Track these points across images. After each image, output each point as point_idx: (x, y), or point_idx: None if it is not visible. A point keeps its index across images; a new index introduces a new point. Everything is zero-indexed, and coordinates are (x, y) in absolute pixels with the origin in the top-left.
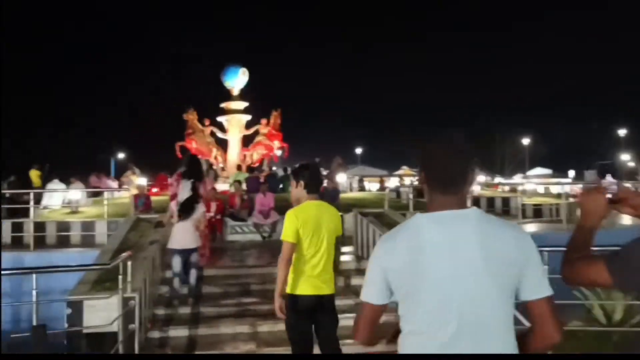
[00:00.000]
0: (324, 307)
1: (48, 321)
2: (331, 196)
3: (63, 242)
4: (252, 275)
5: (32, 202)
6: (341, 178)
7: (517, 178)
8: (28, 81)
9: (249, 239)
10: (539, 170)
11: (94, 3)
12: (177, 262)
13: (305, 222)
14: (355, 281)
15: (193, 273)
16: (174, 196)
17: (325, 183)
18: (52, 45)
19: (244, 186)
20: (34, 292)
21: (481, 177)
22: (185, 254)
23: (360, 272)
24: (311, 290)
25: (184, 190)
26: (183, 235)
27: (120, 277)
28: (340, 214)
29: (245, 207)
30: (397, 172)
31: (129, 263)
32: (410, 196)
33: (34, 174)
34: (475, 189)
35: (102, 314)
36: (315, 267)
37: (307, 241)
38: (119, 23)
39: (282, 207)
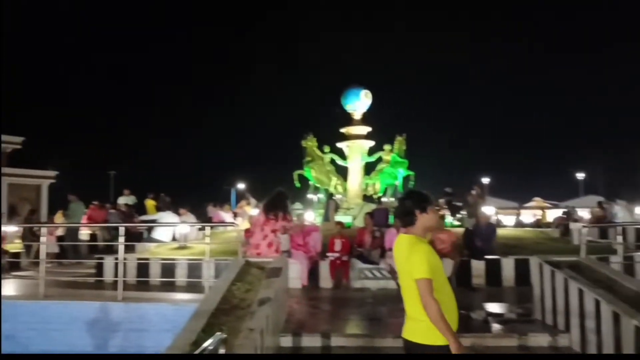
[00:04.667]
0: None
1: None
2: (485, 235)
3: (167, 284)
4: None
5: (122, 239)
6: (489, 210)
7: None
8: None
9: (381, 286)
10: None
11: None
12: None
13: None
14: None
15: None
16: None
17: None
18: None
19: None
20: None
21: None
22: None
23: (557, 350)
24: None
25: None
26: None
27: None
28: (416, 249)
29: (376, 246)
30: (529, 204)
31: (222, 350)
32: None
33: (150, 204)
34: None
35: None
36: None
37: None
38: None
39: None
